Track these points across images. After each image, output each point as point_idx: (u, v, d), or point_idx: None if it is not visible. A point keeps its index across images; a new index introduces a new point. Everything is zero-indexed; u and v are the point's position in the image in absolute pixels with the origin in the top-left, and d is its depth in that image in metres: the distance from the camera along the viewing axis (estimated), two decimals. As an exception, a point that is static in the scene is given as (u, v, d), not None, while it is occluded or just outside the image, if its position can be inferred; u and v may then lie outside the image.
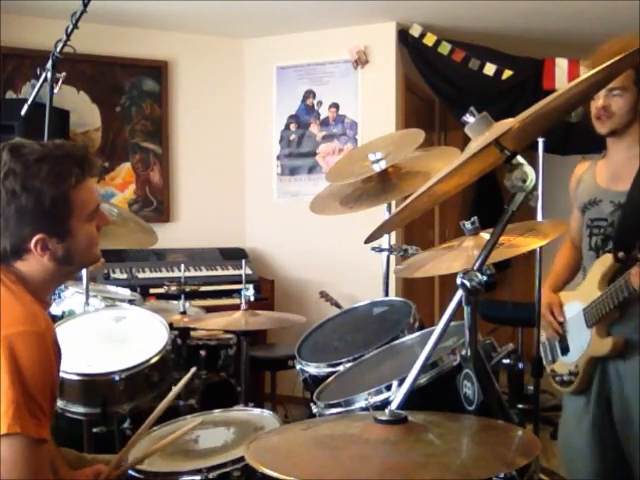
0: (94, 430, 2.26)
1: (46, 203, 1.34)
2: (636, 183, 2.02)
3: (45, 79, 2.34)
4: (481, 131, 1.27)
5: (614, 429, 2.06)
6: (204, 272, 4.31)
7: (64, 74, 2.36)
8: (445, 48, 4.38)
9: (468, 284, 1.19)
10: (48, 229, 1.36)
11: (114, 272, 3.79)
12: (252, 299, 2.55)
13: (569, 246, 2.37)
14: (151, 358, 2.11)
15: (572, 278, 2.32)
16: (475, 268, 1.21)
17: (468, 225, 1.75)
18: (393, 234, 3.81)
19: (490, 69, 4.32)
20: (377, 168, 2.39)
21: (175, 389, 1.85)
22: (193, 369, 1.98)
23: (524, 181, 1.22)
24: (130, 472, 1.65)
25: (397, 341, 2.01)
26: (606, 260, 2.04)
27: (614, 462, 2.07)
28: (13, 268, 1.39)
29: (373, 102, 4.54)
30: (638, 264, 1.88)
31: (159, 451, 1.68)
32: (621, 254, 1.97)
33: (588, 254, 2.15)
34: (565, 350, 2.19)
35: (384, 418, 1.14)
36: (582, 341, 2.10)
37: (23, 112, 2.51)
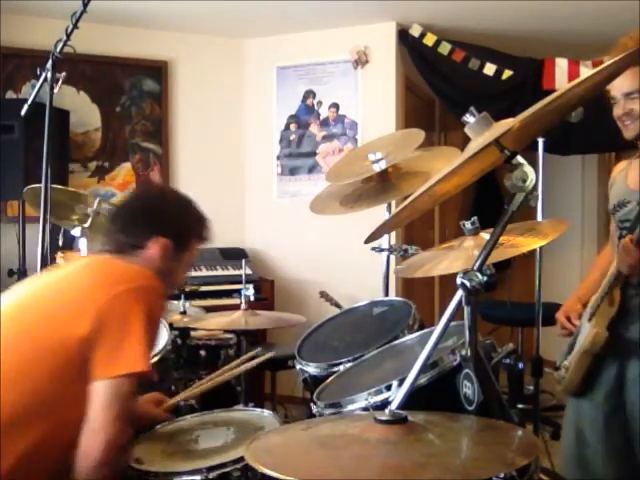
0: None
1: (185, 226, 1.72)
2: None
3: (45, 79, 2.34)
4: (481, 131, 1.27)
5: (624, 434, 1.99)
6: (204, 272, 4.30)
7: (64, 74, 2.36)
8: (445, 48, 4.38)
9: (468, 284, 1.19)
10: (175, 240, 1.67)
11: (114, 272, 3.78)
12: (252, 299, 2.56)
13: (609, 252, 2.26)
14: (151, 358, 2.11)
15: None
16: (475, 268, 1.20)
17: (468, 225, 1.76)
18: (393, 234, 3.81)
19: (490, 69, 4.32)
20: (377, 168, 2.39)
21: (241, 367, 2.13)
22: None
23: (524, 181, 1.22)
24: (130, 472, 1.65)
25: (397, 341, 2.01)
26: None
27: (628, 463, 2.01)
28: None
29: (373, 102, 4.54)
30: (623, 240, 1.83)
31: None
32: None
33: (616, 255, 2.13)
34: (571, 349, 2.13)
35: (384, 418, 1.14)
36: (583, 337, 2.05)
37: (23, 112, 2.51)
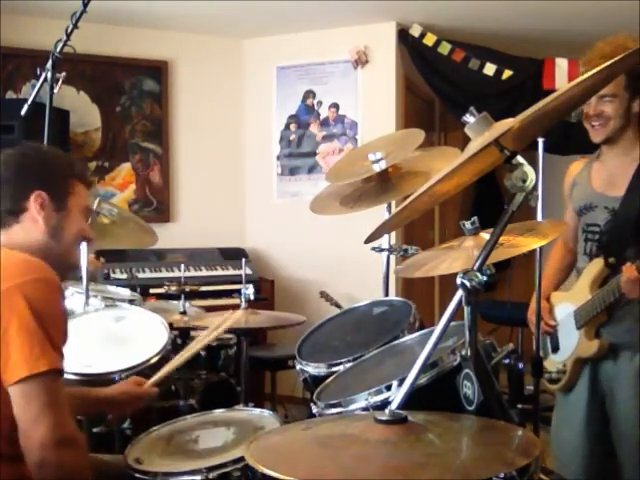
0: (94, 430, 2.26)
1: (52, 169, 1.57)
2: (630, 189, 2.03)
3: (45, 79, 2.34)
4: (481, 131, 1.27)
5: (605, 428, 2.10)
6: (204, 272, 4.31)
7: (64, 74, 2.36)
8: (445, 48, 4.38)
9: (468, 284, 1.19)
10: (49, 188, 1.53)
11: (114, 272, 3.79)
12: (252, 299, 2.55)
13: (561, 247, 2.38)
14: (151, 358, 2.11)
15: (564, 280, 2.34)
16: (475, 268, 1.20)
17: (468, 225, 1.75)
18: (393, 234, 3.81)
19: (490, 69, 4.32)
20: (377, 168, 2.39)
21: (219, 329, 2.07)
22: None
23: (524, 181, 1.22)
24: (130, 472, 1.65)
25: (397, 341, 2.01)
26: (597, 264, 2.08)
27: (602, 460, 2.12)
28: (11, 235, 1.52)
29: (373, 102, 4.54)
30: (625, 270, 1.89)
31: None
32: (612, 260, 2.00)
33: (582, 258, 2.18)
34: (555, 348, 2.25)
35: (384, 418, 1.14)
36: (571, 341, 2.15)
37: (23, 112, 2.51)
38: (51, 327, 1.39)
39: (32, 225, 1.52)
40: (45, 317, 1.38)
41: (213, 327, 2.09)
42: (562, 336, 2.22)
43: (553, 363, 2.25)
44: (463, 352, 1.35)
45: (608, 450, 2.09)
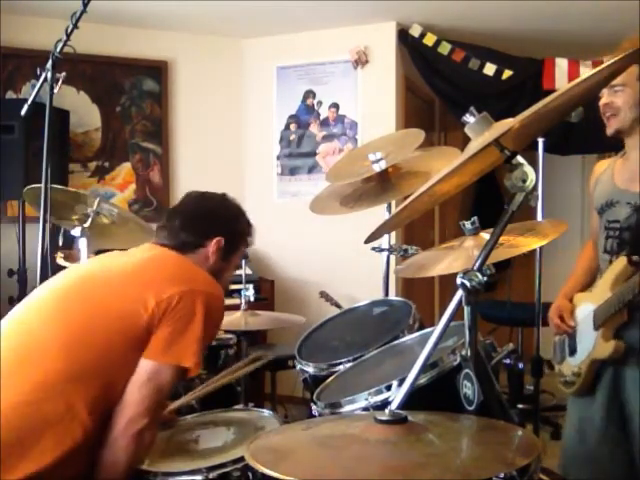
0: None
1: (238, 225, 1.91)
2: None
3: (45, 79, 2.34)
4: (481, 131, 1.27)
5: (624, 432, 2.02)
6: (204, 272, 4.30)
7: (64, 74, 2.36)
8: (445, 48, 4.38)
9: (468, 284, 1.19)
10: (228, 239, 1.82)
11: (114, 272, 3.78)
12: (252, 299, 2.56)
13: (591, 249, 2.29)
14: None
15: (593, 282, 2.20)
16: (475, 268, 1.21)
17: (468, 225, 1.76)
18: (393, 234, 3.81)
19: (490, 69, 4.32)
20: (377, 168, 2.39)
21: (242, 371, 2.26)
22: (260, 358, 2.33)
23: (524, 181, 1.22)
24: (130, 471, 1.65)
25: (397, 341, 2.02)
26: (620, 263, 2.00)
27: (623, 465, 2.03)
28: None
29: (373, 102, 4.54)
30: None
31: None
32: (636, 257, 1.93)
33: (602, 256, 2.11)
34: (573, 351, 2.15)
35: (384, 418, 1.14)
36: (588, 343, 2.06)
37: (23, 112, 2.51)
38: (209, 339, 1.66)
39: (202, 260, 1.77)
40: (210, 329, 1.63)
41: (243, 363, 2.32)
42: (580, 338, 2.12)
43: (569, 366, 2.15)
44: (463, 352, 1.35)
45: (628, 455, 2.01)
